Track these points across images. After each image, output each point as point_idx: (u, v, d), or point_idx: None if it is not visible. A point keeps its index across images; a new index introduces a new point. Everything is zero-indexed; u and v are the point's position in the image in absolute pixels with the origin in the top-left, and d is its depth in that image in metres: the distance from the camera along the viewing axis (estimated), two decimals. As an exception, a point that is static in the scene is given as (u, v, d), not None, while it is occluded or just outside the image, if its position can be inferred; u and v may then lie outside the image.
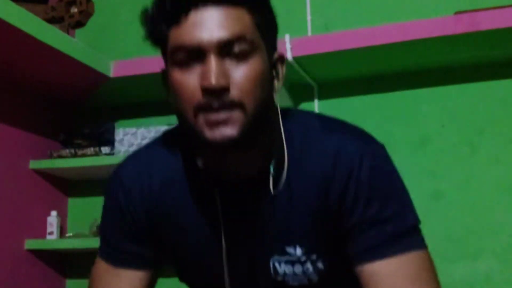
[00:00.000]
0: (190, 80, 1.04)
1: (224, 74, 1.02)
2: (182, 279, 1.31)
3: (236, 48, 1.03)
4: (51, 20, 2.66)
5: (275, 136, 1.14)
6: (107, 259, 1.26)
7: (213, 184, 1.15)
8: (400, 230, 1.10)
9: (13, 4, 2.00)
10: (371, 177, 1.10)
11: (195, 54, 1.04)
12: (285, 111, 1.17)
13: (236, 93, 1.03)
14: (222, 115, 1.03)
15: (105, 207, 1.25)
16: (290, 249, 1.15)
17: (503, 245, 2.33)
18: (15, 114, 2.54)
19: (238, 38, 1.03)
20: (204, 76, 1.02)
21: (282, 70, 1.15)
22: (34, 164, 2.60)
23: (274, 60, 1.12)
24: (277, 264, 1.17)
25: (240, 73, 1.04)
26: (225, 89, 1.02)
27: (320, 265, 1.16)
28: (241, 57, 1.04)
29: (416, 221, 1.13)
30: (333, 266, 1.17)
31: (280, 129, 1.14)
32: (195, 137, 1.06)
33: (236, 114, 1.04)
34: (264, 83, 1.07)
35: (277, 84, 1.13)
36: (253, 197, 1.14)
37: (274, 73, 1.13)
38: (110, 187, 1.23)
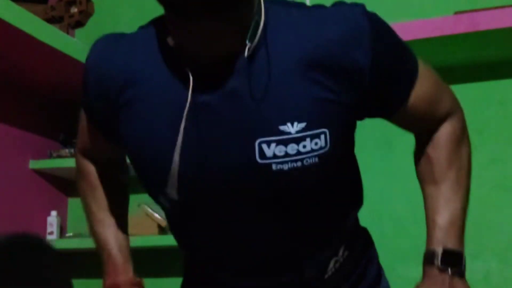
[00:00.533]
0: None
1: None
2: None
3: None
4: (51, 20, 2.66)
5: (254, 13, 1.01)
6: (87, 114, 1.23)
7: (185, 63, 1.04)
8: (413, 61, 1.16)
9: (13, 4, 2.00)
10: (383, 32, 1.09)
11: None
12: None
13: None
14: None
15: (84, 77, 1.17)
16: (284, 127, 1.04)
17: (502, 245, 2.33)
18: (15, 114, 2.54)
19: None
20: None
21: None
22: (33, 164, 2.60)
23: None
24: (264, 146, 1.05)
25: None
26: None
27: (321, 141, 1.06)
28: None
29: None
30: (335, 141, 1.08)
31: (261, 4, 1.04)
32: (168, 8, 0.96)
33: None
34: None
35: None
36: (228, 76, 1.03)
37: None
38: (88, 59, 1.16)
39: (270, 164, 1.05)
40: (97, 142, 1.27)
